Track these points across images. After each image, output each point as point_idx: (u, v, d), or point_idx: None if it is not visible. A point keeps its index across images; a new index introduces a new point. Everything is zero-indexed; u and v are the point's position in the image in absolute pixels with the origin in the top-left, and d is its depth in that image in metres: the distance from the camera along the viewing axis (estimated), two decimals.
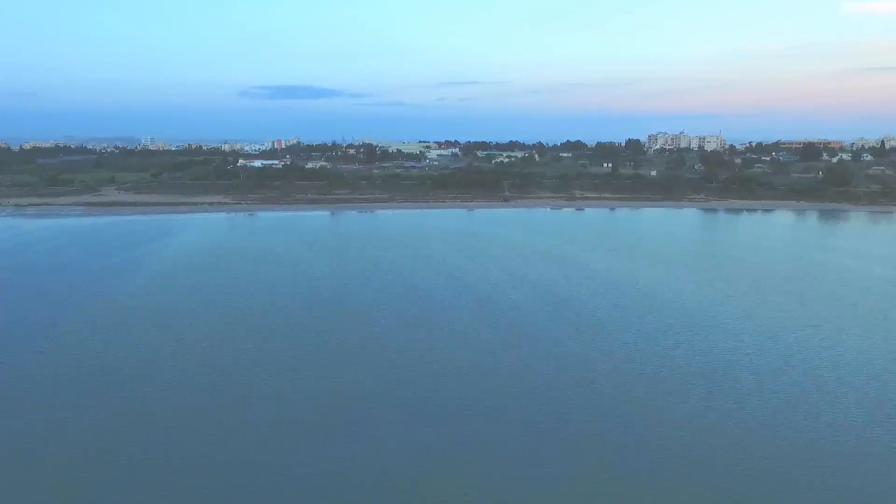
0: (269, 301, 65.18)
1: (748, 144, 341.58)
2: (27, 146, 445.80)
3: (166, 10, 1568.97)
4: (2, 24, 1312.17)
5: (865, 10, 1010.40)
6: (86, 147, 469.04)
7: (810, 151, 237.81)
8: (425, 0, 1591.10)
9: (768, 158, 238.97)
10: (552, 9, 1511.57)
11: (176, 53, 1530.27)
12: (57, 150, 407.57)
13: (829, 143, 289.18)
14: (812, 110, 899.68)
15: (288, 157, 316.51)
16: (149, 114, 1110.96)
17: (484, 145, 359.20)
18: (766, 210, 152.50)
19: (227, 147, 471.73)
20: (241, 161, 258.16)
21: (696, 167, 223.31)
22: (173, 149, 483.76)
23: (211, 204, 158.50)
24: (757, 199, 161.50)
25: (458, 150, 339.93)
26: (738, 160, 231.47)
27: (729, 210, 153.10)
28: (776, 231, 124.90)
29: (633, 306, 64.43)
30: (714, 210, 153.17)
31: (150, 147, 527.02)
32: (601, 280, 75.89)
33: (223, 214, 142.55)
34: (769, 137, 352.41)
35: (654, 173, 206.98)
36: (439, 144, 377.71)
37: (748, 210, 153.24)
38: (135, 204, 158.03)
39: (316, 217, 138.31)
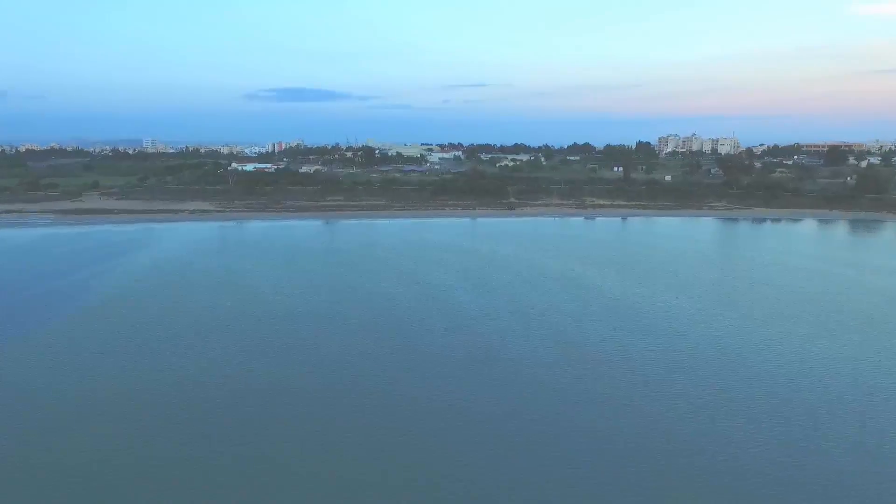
0: (198, 354, 51.07)
1: (761, 147, 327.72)
2: (22, 149, 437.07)
3: (174, 13, 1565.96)
4: (10, 28, 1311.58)
5: (874, 11, 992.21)
6: (82, 150, 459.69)
7: (836, 155, 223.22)
8: (431, 2, 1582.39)
9: (790, 162, 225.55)
10: (558, 11, 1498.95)
11: (183, 56, 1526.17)
12: (50, 153, 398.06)
13: (851, 146, 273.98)
14: (823, 112, 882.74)
15: (285, 159, 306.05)
16: (156, 116, 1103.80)
17: (488, 148, 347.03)
18: (794, 219, 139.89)
19: (226, 150, 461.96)
20: (233, 164, 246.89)
21: (712, 171, 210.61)
22: (172, 151, 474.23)
23: (192, 212, 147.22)
24: (784, 206, 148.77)
25: (460, 152, 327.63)
26: (758, 164, 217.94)
27: (753, 219, 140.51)
28: (818, 247, 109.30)
29: (679, 361, 50.02)
30: (736, 219, 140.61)
31: (149, 150, 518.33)
32: (630, 320, 60.59)
33: (203, 224, 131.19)
34: (781, 140, 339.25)
35: (668, 178, 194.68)
36: (442, 147, 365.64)
37: (773, 219, 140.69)
38: (111, 211, 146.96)
39: (302, 228, 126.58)
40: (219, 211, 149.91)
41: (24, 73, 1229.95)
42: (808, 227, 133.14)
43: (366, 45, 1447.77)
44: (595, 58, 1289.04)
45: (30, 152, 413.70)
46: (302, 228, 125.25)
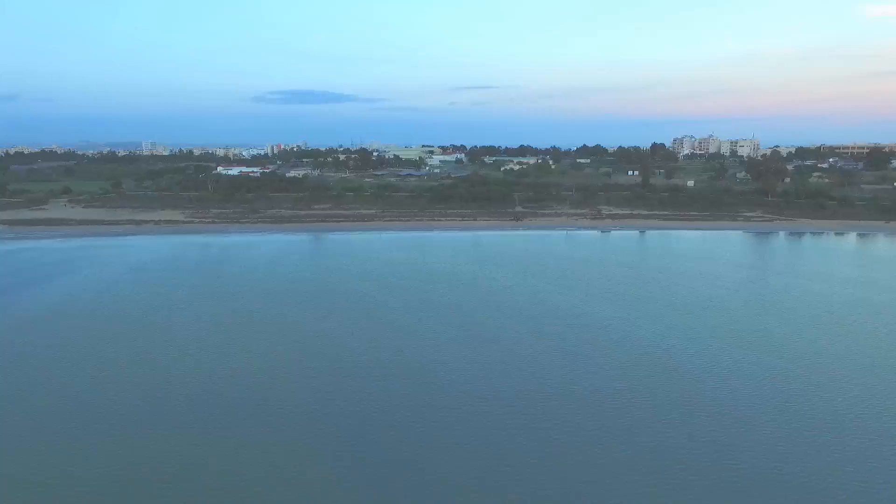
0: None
1: (776, 148, 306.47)
2: (12, 151, 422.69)
3: (181, 15, 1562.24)
4: (19, 31, 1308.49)
5: (886, 13, 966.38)
6: (75, 152, 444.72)
7: (877, 157, 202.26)
8: (439, 4, 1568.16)
9: (825, 166, 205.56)
10: (566, 12, 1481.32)
11: (191, 58, 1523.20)
12: (39, 156, 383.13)
13: (891, 147, 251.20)
14: (837, 114, 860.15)
15: (279, 162, 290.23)
16: (162, 118, 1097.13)
17: (492, 150, 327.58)
18: (841, 233, 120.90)
19: (221, 152, 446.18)
20: (219, 168, 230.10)
21: (738, 176, 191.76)
22: (167, 154, 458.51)
23: (158, 223, 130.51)
24: (830, 217, 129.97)
25: (463, 155, 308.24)
26: (790, 167, 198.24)
27: (792, 233, 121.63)
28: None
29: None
30: (775, 233, 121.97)
31: (144, 152, 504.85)
32: (685, 410, 41.98)
33: (163, 238, 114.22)
34: (796, 142, 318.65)
35: (691, 183, 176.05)
36: (444, 149, 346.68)
37: (814, 233, 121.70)
38: (67, 222, 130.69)
39: (275, 243, 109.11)
40: (188, 222, 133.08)
41: (34, 76, 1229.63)
42: (868, 243, 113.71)
43: (373, 48, 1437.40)
44: (603, 59, 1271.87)
45: (19, 155, 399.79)
46: (274, 244, 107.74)
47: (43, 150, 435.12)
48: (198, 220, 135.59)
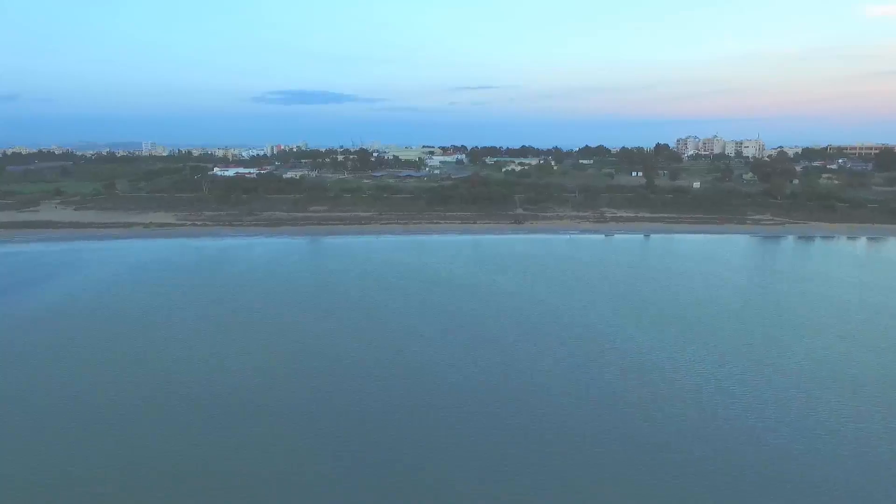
0: None
1: (781, 149, 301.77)
2: (9, 152, 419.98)
3: (181, 15, 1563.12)
4: (19, 31, 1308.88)
5: (889, 12, 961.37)
6: (74, 152, 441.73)
7: (887, 158, 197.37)
8: (439, 4, 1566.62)
9: (834, 167, 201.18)
10: (566, 12, 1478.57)
11: (190, 58, 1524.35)
12: (35, 157, 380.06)
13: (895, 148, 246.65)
14: (838, 114, 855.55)
15: (276, 163, 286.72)
16: (162, 119, 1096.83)
17: (493, 150, 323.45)
18: (853, 237, 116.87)
19: (220, 152, 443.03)
20: (215, 169, 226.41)
21: (745, 177, 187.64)
22: (165, 154, 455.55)
23: (147, 226, 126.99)
24: (841, 220, 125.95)
25: (464, 155, 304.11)
26: (798, 168, 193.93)
27: (803, 236, 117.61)
28: None
29: None
30: (784, 236, 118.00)
31: (143, 153, 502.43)
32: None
33: (152, 242, 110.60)
34: (797, 142, 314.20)
35: (697, 185, 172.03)
36: (444, 150, 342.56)
37: (825, 236, 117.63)
38: (55, 225, 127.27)
39: (265, 247, 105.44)
40: (179, 224, 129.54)
41: (34, 76, 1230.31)
42: (883, 246, 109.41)
43: (373, 48, 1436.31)
44: (603, 59, 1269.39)
45: (16, 155, 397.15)
46: (264, 248, 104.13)
47: (40, 151, 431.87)
48: (190, 222, 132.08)
